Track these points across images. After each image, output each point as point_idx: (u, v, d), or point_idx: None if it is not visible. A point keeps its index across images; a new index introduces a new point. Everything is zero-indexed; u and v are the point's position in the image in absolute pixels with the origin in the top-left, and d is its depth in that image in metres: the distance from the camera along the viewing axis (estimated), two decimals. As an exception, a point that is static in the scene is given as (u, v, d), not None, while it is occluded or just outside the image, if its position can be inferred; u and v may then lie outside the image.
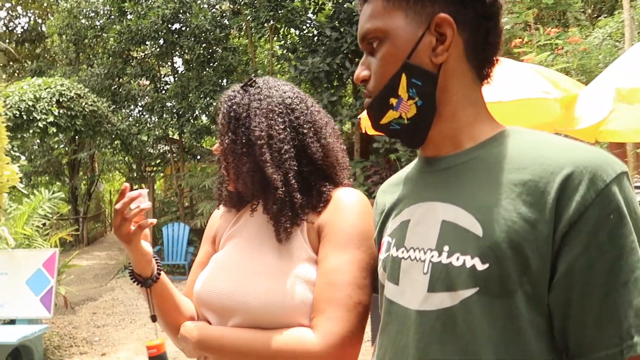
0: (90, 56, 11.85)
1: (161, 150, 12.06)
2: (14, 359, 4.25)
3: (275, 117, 1.03)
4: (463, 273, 0.67)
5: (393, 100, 0.77)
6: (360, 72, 0.81)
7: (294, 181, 1.01)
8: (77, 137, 11.33)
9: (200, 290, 1.06)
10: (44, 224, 5.56)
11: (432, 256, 0.72)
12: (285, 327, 0.95)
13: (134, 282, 1.08)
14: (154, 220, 1.06)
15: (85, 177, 14.70)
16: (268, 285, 0.98)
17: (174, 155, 11.34)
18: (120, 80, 10.72)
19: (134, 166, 12.85)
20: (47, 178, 13.65)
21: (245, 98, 1.06)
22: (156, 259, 1.09)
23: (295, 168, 1.02)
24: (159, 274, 1.08)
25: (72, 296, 6.27)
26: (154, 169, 13.03)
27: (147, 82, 11.11)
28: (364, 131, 4.09)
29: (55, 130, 7.56)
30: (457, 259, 0.69)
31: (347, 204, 1.03)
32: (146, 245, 1.05)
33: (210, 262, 1.12)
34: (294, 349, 0.91)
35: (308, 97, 1.12)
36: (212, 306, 1.03)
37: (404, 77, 0.75)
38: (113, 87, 10.54)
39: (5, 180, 1.08)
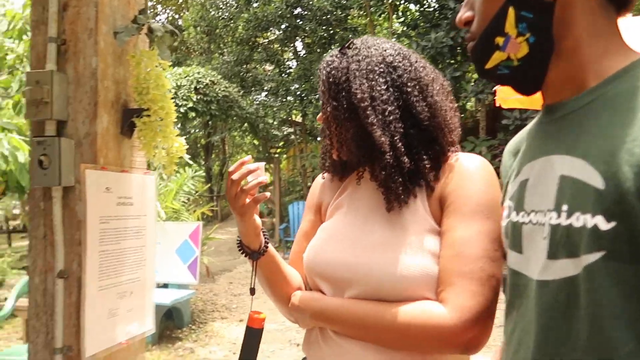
0: (221, 45, 12.67)
1: (285, 132, 12.58)
2: (167, 319, 4.80)
3: (377, 77, 0.96)
4: (585, 235, 0.56)
5: (499, 40, 0.67)
6: (463, 13, 0.73)
7: (400, 144, 0.93)
8: (210, 121, 12.27)
9: (312, 260, 1.03)
10: (188, 199, 6.14)
11: (551, 218, 0.62)
12: (407, 300, 0.89)
13: (241, 254, 1.07)
14: (268, 194, 1.04)
15: (218, 159, 15.90)
16: (389, 256, 0.92)
17: (297, 136, 11.75)
18: (248, 66, 11.35)
19: (261, 148, 13.59)
20: (185, 160, 14.99)
21: (344, 61, 1.01)
22: (264, 232, 1.07)
23: (402, 130, 0.94)
24: (267, 247, 1.06)
25: (213, 266, 6.87)
26: (279, 150, 13.66)
27: (272, 67, 11.59)
28: (498, 105, 3.83)
29: (194, 115, 8.28)
30: (577, 218, 0.58)
31: (471, 171, 0.95)
32: (257, 218, 1.03)
33: (319, 231, 1.08)
34: (424, 323, 0.85)
35: (412, 52, 1.03)
36: (326, 276, 1.00)
37: (511, 11, 0.65)
38: (241, 73, 11.19)
39: (174, 151, 1.18)
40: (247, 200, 0.99)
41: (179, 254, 4.61)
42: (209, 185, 15.00)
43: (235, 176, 0.98)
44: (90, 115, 1.07)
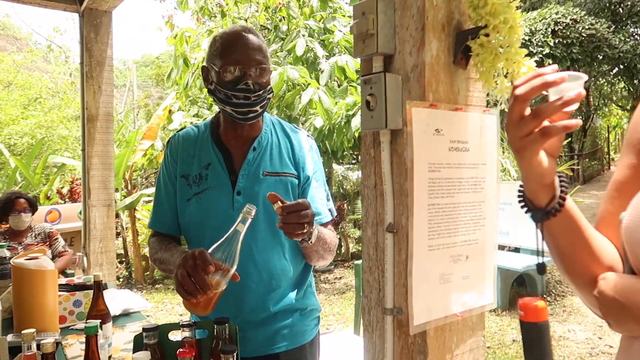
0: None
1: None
2: (519, 285, 4.50)
3: None
4: None
5: None
6: None
7: None
8: (569, 67, 10.86)
9: (638, 228, 0.69)
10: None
11: None
12: None
13: (524, 210, 0.79)
14: (574, 122, 0.67)
15: (580, 113, 14.10)
16: None
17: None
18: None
19: (637, 94, 11.22)
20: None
21: None
22: (563, 182, 0.77)
23: None
24: (561, 204, 0.74)
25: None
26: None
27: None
28: None
29: (550, 62, 7.40)
30: None
31: None
32: (544, 159, 0.72)
33: None
34: None
35: None
36: None
37: None
38: (613, 5, 9.33)
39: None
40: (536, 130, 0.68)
41: (532, 216, 4.20)
42: (569, 141, 13.52)
43: (520, 90, 0.69)
44: (417, 43, 0.91)
